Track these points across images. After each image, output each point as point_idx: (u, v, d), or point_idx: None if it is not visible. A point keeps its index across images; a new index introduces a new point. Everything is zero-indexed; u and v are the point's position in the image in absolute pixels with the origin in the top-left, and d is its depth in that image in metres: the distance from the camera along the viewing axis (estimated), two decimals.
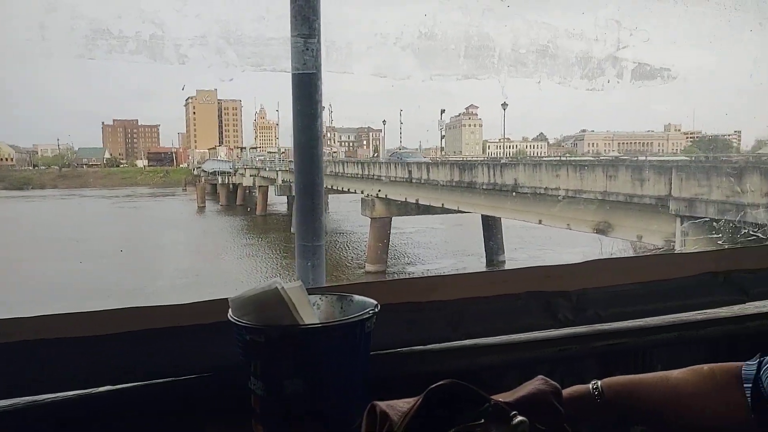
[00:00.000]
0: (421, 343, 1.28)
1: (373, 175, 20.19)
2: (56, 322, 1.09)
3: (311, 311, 0.99)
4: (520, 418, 0.76)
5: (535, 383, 0.86)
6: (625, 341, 1.40)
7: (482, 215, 17.41)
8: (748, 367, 0.94)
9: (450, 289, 1.32)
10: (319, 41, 1.14)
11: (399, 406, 0.78)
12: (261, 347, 0.94)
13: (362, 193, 20.09)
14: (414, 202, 17.67)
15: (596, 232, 12.61)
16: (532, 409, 0.80)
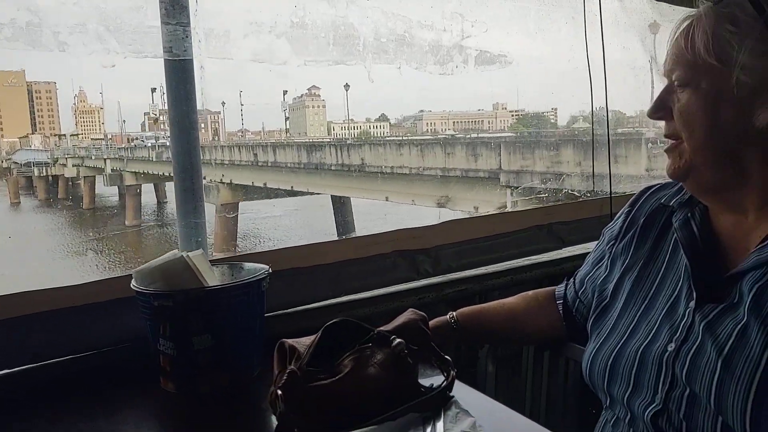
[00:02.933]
0: (307, 302, 1.43)
1: (216, 160, 19.49)
2: None
3: (213, 275, 1.10)
4: (398, 340, 0.96)
5: (407, 314, 1.06)
6: (469, 286, 1.67)
7: (332, 196, 17.70)
8: (560, 289, 1.24)
9: (331, 254, 1.49)
10: (189, 28, 1.21)
11: (303, 341, 0.94)
12: (170, 310, 1.03)
13: (204, 178, 19.29)
14: (262, 185, 17.44)
15: (438, 206, 13.50)
16: (406, 333, 0.99)
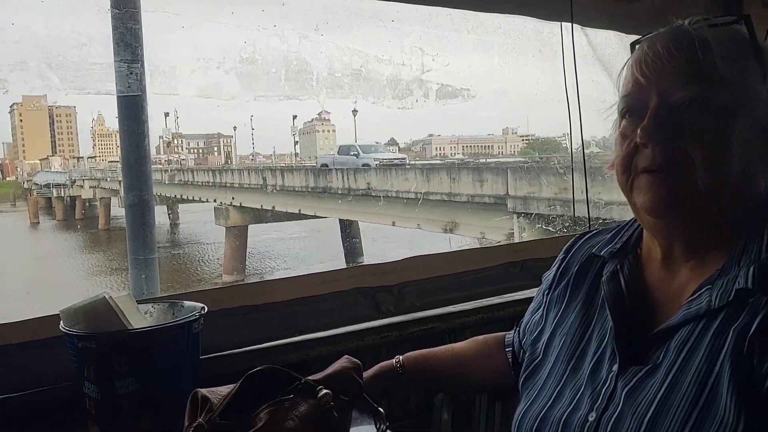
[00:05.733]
0: (256, 342, 1.39)
1: (226, 183, 19.67)
2: None
3: (140, 317, 1.07)
4: (324, 391, 0.91)
5: (341, 362, 1.01)
6: (437, 325, 1.62)
7: (339, 220, 17.69)
8: (509, 336, 1.18)
9: (282, 291, 1.45)
10: (142, 65, 1.21)
11: (220, 391, 0.89)
12: (92, 352, 1.00)
13: (215, 201, 19.51)
14: (270, 209, 17.52)
15: (444, 231, 13.42)
16: (337, 383, 0.95)
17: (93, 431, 1.05)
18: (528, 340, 1.06)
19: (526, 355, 1.02)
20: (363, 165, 17.38)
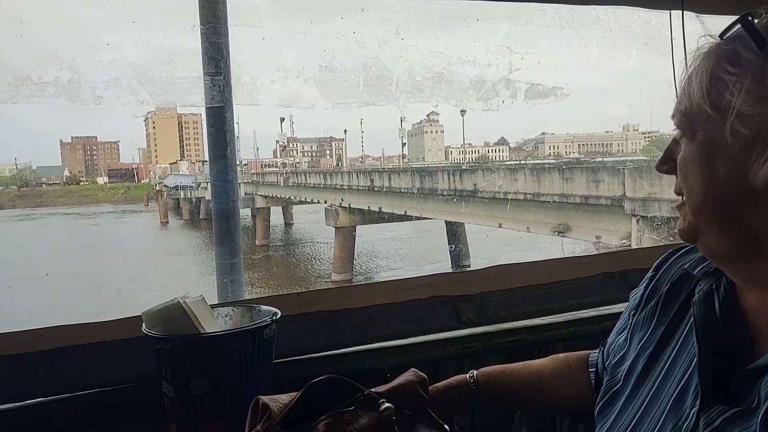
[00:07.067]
0: (334, 347, 1.39)
1: (336, 185, 20.31)
2: None
3: (213, 321, 1.11)
4: (386, 405, 0.88)
5: (406, 375, 0.98)
6: (524, 337, 1.54)
7: (446, 221, 17.61)
8: (593, 355, 1.08)
9: (361, 297, 1.44)
10: (225, 78, 1.25)
11: (281, 399, 0.90)
12: (169, 354, 1.05)
13: (325, 202, 20.22)
14: (377, 210, 17.85)
15: (556, 234, 12.91)
16: (400, 396, 0.92)
17: (171, 429, 1.10)
18: (610, 363, 0.97)
19: (606, 379, 0.93)
20: None
